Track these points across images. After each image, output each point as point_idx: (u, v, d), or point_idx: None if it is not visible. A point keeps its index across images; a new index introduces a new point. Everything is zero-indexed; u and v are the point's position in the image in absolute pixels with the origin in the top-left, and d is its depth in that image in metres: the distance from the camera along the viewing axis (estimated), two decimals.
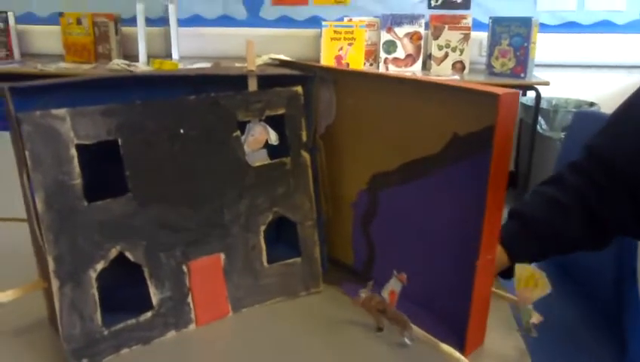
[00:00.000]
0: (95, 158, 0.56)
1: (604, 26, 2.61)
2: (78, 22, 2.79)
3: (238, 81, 0.63)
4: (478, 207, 0.55)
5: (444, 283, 0.61)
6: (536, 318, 0.59)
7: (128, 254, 0.57)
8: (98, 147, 0.55)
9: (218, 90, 0.61)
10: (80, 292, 0.54)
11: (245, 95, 0.62)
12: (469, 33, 2.52)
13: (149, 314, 0.59)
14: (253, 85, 0.63)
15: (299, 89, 0.65)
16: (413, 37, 2.57)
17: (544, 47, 2.51)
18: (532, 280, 0.59)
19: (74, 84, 0.58)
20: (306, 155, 0.66)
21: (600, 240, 0.75)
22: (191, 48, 2.78)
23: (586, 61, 2.65)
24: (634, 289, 1.06)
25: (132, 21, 2.73)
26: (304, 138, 0.66)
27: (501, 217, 0.57)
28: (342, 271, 0.73)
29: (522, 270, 0.60)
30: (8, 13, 2.82)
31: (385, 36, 2.56)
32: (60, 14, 2.82)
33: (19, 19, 2.87)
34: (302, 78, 0.66)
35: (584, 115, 1.32)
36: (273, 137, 0.65)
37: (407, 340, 0.59)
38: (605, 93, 2.60)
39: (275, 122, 0.65)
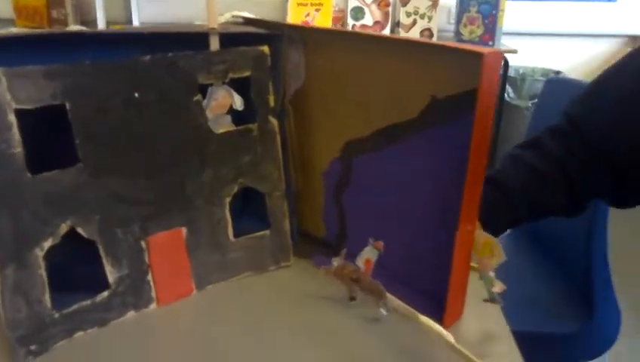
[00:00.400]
0: (40, 127, 0.51)
1: None
2: None
3: (198, 41, 0.57)
4: (458, 176, 0.51)
5: (421, 255, 0.58)
6: (499, 287, 0.57)
7: (80, 230, 0.52)
8: (43, 114, 0.49)
9: (176, 50, 0.55)
10: (25, 274, 0.49)
11: (206, 55, 0.57)
12: (438, 0, 2.48)
13: (105, 293, 0.54)
14: (215, 44, 0.58)
15: (265, 49, 0.59)
16: (381, 3, 2.51)
17: (512, 14, 2.49)
18: (488, 248, 0.57)
19: (11, 39, 0.51)
20: (273, 121, 0.62)
21: (576, 208, 0.74)
22: (153, 14, 2.65)
23: (553, 29, 2.64)
24: (602, 253, 1.06)
25: None
26: (272, 103, 0.61)
27: (481, 186, 0.54)
28: (312, 244, 0.69)
29: (479, 237, 0.57)
30: None
31: (352, 2, 2.50)
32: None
33: None
34: (269, 37, 0.61)
35: (555, 82, 1.30)
36: (238, 102, 0.60)
37: (383, 311, 0.56)
38: (572, 62, 2.60)
39: (239, 86, 0.60)
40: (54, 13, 2.64)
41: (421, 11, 2.51)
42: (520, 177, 0.71)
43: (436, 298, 0.56)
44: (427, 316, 0.53)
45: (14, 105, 0.47)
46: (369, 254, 0.57)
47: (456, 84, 0.50)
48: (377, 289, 0.56)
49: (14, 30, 2.52)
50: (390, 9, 2.52)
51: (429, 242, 0.57)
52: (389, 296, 0.56)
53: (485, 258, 0.56)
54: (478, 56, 0.47)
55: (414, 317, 0.54)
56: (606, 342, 1.06)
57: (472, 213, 0.54)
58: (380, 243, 0.57)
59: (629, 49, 0.96)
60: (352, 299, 0.59)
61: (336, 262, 0.58)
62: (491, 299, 0.58)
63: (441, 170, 0.54)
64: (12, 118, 0.47)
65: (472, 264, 0.58)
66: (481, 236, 0.56)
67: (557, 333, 1.01)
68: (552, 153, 0.70)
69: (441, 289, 0.56)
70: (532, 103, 2.35)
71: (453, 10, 2.51)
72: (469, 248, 0.56)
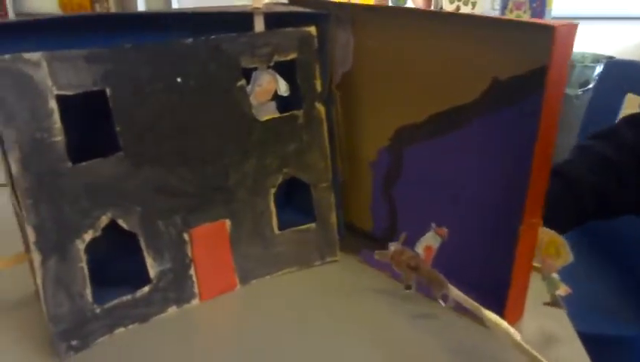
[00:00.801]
0: (80, 114, 0.49)
1: None
2: None
3: (241, 22, 0.55)
4: (523, 163, 0.47)
5: (479, 250, 0.54)
6: (563, 290, 0.52)
7: (121, 222, 0.50)
8: (82, 100, 0.47)
9: (219, 32, 0.53)
10: (66, 266, 0.47)
11: (250, 37, 0.54)
12: None
13: (146, 288, 0.52)
14: (259, 25, 0.55)
15: (312, 29, 0.56)
16: None
17: None
18: (553, 247, 0.52)
19: (51, 23, 0.49)
20: (320, 108, 0.58)
21: None
22: (193, 6, 2.67)
23: (603, 13, 2.52)
24: None
25: None
26: (318, 88, 0.58)
27: (548, 175, 0.50)
28: (360, 238, 0.66)
29: (543, 234, 0.53)
30: None
31: None
32: None
33: None
34: (315, 17, 0.57)
35: (613, 65, 1.21)
36: (283, 87, 0.57)
37: (442, 302, 0.52)
38: (624, 46, 2.48)
39: (284, 70, 0.57)
40: (97, 7, 2.68)
41: None
42: (589, 168, 0.65)
43: (495, 296, 0.52)
44: None
45: (55, 91, 0.45)
46: (431, 241, 0.54)
47: (523, 62, 0.46)
48: (437, 279, 0.52)
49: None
50: None
51: (489, 236, 0.53)
52: (450, 287, 0.52)
53: (550, 258, 0.52)
54: (549, 29, 0.42)
55: (477, 310, 0.50)
56: None
57: (537, 205, 0.50)
58: (444, 230, 0.54)
59: None
60: (408, 287, 0.55)
61: (393, 246, 0.55)
62: (554, 303, 0.53)
63: (504, 158, 0.49)
64: (53, 104, 0.45)
65: (535, 264, 0.53)
66: (546, 234, 0.51)
67: (624, 336, 0.95)
68: (629, 143, 0.64)
69: (502, 287, 0.51)
70: (582, 91, 2.25)
71: None
72: (533, 243, 0.51)
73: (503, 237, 0.50)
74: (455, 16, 0.54)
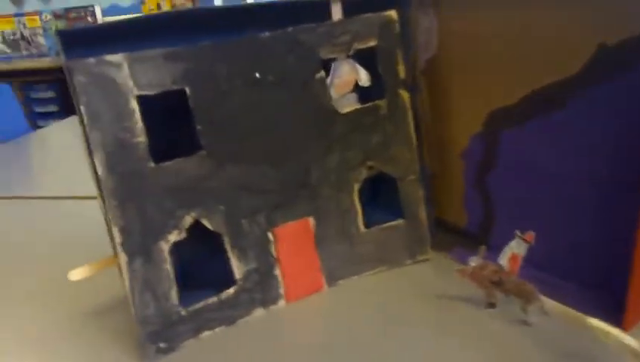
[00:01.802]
0: (160, 114, 0.49)
1: None
2: (158, 7, 2.81)
3: (318, 11, 0.53)
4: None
5: (589, 244, 0.48)
6: None
7: (205, 221, 0.49)
8: (163, 100, 0.47)
9: (296, 23, 0.51)
10: (152, 268, 0.47)
11: (329, 27, 0.52)
12: None
13: (231, 290, 0.51)
14: (337, 13, 0.52)
15: (392, 14, 0.53)
16: None
17: None
18: None
19: (132, 24, 0.50)
20: (404, 96, 0.55)
21: None
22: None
23: None
24: None
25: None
26: (402, 74, 0.54)
27: None
28: (452, 235, 0.62)
29: None
30: (95, 6, 2.90)
31: None
32: (142, 2, 2.85)
33: (105, 12, 2.94)
34: (395, 1, 0.54)
35: None
36: (364, 77, 0.55)
37: (529, 318, 0.47)
38: None
39: (364, 59, 0.54)
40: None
41: None
42: None
43: (611, 295, 0.46)
44: (599, 318, 0.43)
45: (136, 92, 0.45)
46: (516, 249, 0.48)
47: (637, 20, 0.40)
48: (526, 291, 0.47)
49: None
50: None
51: (601, 228, 0.47)
52: (543, 298, 0.46)
53: None
54: None
55: (580, 320, 0.44)
56: None
57: None
58: (531, 235, 0.48)
59: None
60: (491, 305, 0.50)
61: (473, 262, 0.50)
62: None
63: (614, 136, 0.44)
64: (134, 104, 0.45)
65: None
66: None
67: None
68: None
69: (619, 283, 0.45)
70: None
71: None
72: None
73: (624, 222, 0.44)
74: None
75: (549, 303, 0.46)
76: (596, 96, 0.44)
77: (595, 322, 0.43)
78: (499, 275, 0.49)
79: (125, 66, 0.45)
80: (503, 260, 0.49)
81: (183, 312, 0.48)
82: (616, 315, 0.45)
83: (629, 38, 0.41)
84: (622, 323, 0.45)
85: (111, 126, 0.45)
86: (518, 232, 0.48)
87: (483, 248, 0.50)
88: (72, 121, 1.43)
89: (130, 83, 0.45)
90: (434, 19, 0.55)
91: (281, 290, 0.53)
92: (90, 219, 0.64)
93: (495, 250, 0.49)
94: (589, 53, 0.44)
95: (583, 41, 0.44)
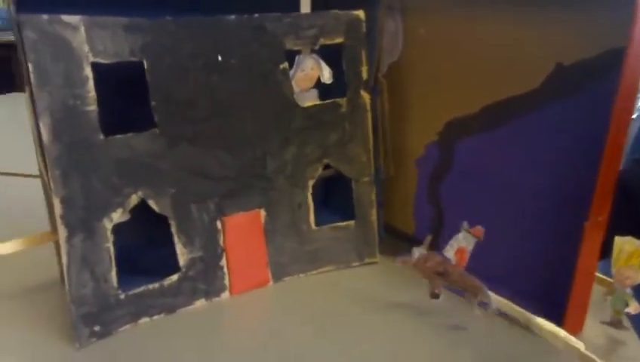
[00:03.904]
0: (116, 86, 0.46)
1: None
2: None
3: (287, 2, 0.52)
4: (590, 155, 0.43)
5: (536, 253, 0.49)
6: (634, 307, 0.47)
7: (152, 203, 0.47)
8: (119, 72, 0.45)
9: (263, 10, 0.50)
10: (93, 245, 0.44)
11: (296, 18, 0.51)
12: None
13: (174, 277, 0.49)
14: (306, 5, 0.52)
15: (360, 13, 0.53)
16: None
17: None
18: (636, 258, 0.47)
19: None
20: (365, 96, 0.55)
21: None
22: None
23: None
24: None
25: None
26: (364, 75, 0.55)
27: (618, 170, 0.45)
28: (400, 241, 0.62)
29: (625, 244, 0.48)
30: None
31: None
32: None
33: None
34: (364, 1, 0.54)
35: None
36: (327, 74, 0.54)
37: (478, 311, 0.46)
38: None
39: (328, 56, 0.54)
40: None
41: None
42: None
43: (553, 306, 0.47)
44: None
45: (91, 58, 0.43)
46: (463, 242, 0.48)
47: (593, 43, 0.42)
48: (472, 285, 0.47)
49: None
50: None
51: (549, 236, 0.48)
52: (490, 293, 0.46)
53: (629, 270, 0.47)
54: (630, 4, 0.39)
55: (527, 320, 0.45)
56: None
57: (606, 201, 0.45)
58: (480, 230, 0.48)
59: None
60: (435, 296, 0.48)
61: (417, 252, 0.49)
62: (614, 323, 0.48)
63: (567, 150, 0.45)
64: (88, 71, 0.43)
65: (598, 275, 0.48)
66: (630, 243, 0.46)
67: None
68: None
69: (560, 295, 0.46)
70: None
71: None
72: (598, 244, 0.47)
73: (566, 236, 0.46)
74: None
75: (495, 298, 0.46)
76: (548, 113, 0.46)
77: (543, 322, 0.44)
78: (444, 266, 0.48)
79: (82, 30, 0.43)
80: (450, 253, 0.48)
81: (122, 296, 0.46)
82: (556, 325, 0.46)
83: (582, 60, 0.43)
84: None
85: (60, 90, 0.42)
86: (465, 224, 0.48)
87: (428, 238, 0.49)
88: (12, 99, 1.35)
89: (86, 48, 0.43)
90: (400, 25, 0.56)
91: (226, 282, 0.51)
92: (24, 198, 0.60)
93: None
94: (548, 70, 0.45)
95: (543, 58, 0.45)
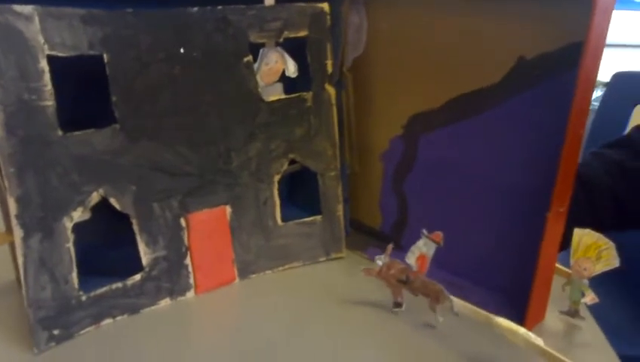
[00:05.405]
0: (74, 81, 0.45)
1: (622, 3, 2.51)
2: None
3: None
4: (552, 147, 0.44)
5: (498, 247, 0.50)
6: (590, 298, 0.49)
7: (113, 201, 0.46)
8: (77, 65, 0.43)
9: (226, 2, 0.49)
10: (51, 246, 0.42)
11: (259, 10, 0.50)
12: None
13: (137, 276, 0.47)
14: None
15: (325, 6, 0.53)
16: None
17: None
18: (594, 250, 0.48)
19: None
20: (330, 90, 0.55)
21: None
22: None
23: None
24: None
25: None
26: (329, 69, 0.54)
27: (577, 163, 0.46)
28: (366, 236, 0.62)
29: (583, 236, 0.49)
30: None
31: None
32: None
33: None
34: None
35: (624, 76, 1.18)
36: (292, 67, 0.54)
37: (439, 317, 0.47)
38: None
39: (292, 50, 0.54)
40: None
41: None
42: (606, 171, 0.62)
43: (514, 297, 0.48)
44: (505, 318, 0.45)
45: (47, 51, 0.41)
46: (423, 248, 0.48)
47: (554, 37, 0.43)
48: (434, 291, 0.47)
49: None
50: None
51: (511, 228, 0.49)
52: (453, 298, 0.47)
53: (586, 261, 0.48)
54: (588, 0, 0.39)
55: (487, 320, 0.45)
56: None
57: (566, 193, 0.46)
58: (439, 235, 0.48)
59: None
60: (397, 305, 0.50)
61: (380, 260, 0.50)
62: (571, 313, 0.50)
63: (531, 141, 0.46)
64: (44, 64, 0.41)
65: (559, 267, 0.50)
66: (587, 235, 0.48)
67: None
68: None
69: (523, 285, 0.47)
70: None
71: None
72: (559, 236, 0.48)
73: (527, 228, 0.46)
74: None
75: (458, 303, 0.47)
76: (510, 107, 0.47)
77: (502, 321, 0.44)
78: (406, 274, 0.48)
79: (36, 20, 0.41)
80: (411, 260, 0.49)
81: (84, 297, 0.44)
82: (519, 316, 0.47)
83: (543, 54, 0.44)
84: (524, 324, 0.47)
85: (14, 84, 0.40)
86: (425, 231, 0.49)
87: (390, 246, 0.50)
88: None
89: (41, 40, 0.41)
90: (364, 19, 0.56)
91: (191, 281, 0.50)
92: None
93: (406, 251, 0.49)
94: (510, 64, 0.46)
95: (506, 52, 0.46)
